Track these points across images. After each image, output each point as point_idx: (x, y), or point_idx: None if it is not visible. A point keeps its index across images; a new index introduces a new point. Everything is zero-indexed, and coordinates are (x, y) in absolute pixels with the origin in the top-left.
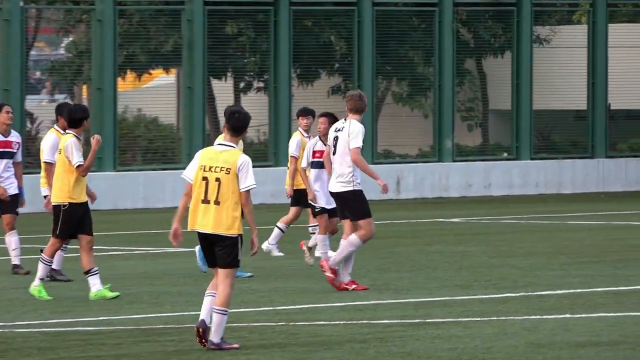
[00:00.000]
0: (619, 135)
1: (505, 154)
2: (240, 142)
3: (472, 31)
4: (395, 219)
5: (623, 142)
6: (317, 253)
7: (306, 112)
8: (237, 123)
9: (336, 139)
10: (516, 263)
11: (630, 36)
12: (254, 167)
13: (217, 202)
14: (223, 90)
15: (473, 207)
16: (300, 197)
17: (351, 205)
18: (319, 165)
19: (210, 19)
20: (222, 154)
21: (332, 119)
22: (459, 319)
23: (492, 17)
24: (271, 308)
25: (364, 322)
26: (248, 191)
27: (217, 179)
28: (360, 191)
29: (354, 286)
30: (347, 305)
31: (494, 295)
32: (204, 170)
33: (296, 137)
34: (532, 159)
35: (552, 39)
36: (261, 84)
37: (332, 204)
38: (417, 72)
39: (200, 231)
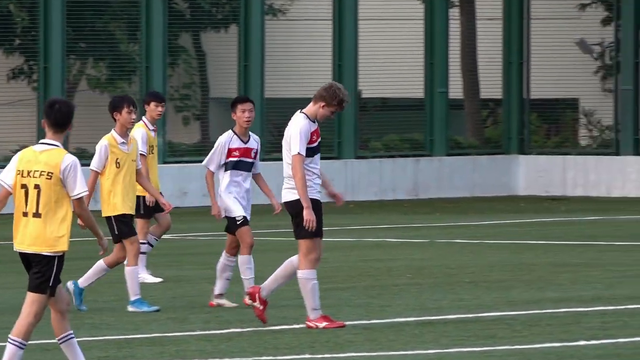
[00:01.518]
0: (372, 130)
1: None
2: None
3: None
4: (80, 236)
5: (377, 139)
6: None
7: (160, 98)
8: (60, 116)
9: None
10: (241, 290)
11: (386, 6)
12: None
13: (37, 215)
14: None
15: (189, 221)
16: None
17: (297, 218)
18: (234, 165)
19: None
20: (43, 155)
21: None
22: None
23: None
24: None
25: None
26: (81, 198)
27: (37, 186)
28: (314, 201)
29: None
30: (29, 345)
31: (216, 331)
32: (22, 176)
33: (140, 130)
34: (262, 160)
35: (289, 9)
36: None
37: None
38: (119, 50)
39: (19, 251)
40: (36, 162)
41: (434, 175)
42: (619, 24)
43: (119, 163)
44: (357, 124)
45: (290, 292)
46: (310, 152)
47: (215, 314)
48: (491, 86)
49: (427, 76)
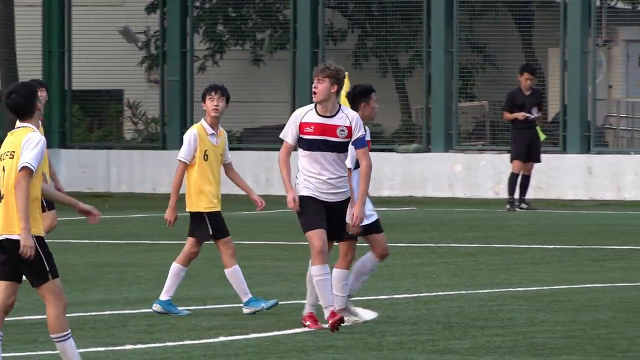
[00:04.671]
0: None
1: None
2: None
3: None
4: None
5: None
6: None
7: (41, 84)
8: (16, 104)
9: None
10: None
11: None
12: None
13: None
14: None
15: None
16: None
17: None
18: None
19: None
20: (12, 136)
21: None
22: None
23: None
24: None
25: None
26: (24, 170)
27: (4, 168)
28: (301, 198)
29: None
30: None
31: None
32: (1, 159)
33: None
34: None
35: None
36: None
37: (370, 218)
38: None
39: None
40: (6, 144)
41: None
42: (165, 11)
43: (207, 155)
44: None
45: None
46: None
47: None
48: (31, 76)
49: None
